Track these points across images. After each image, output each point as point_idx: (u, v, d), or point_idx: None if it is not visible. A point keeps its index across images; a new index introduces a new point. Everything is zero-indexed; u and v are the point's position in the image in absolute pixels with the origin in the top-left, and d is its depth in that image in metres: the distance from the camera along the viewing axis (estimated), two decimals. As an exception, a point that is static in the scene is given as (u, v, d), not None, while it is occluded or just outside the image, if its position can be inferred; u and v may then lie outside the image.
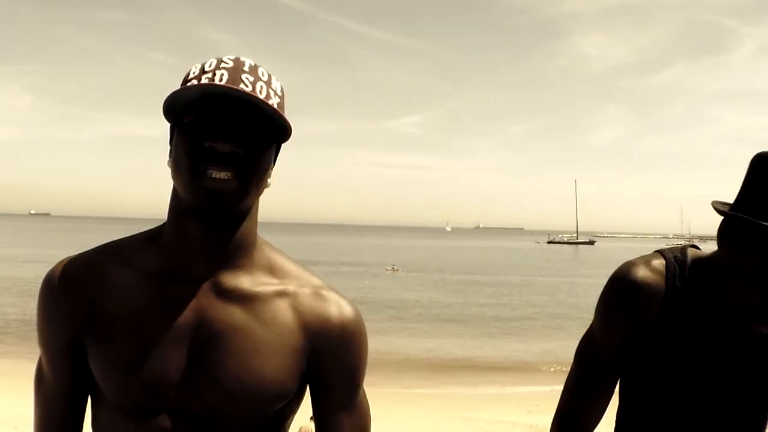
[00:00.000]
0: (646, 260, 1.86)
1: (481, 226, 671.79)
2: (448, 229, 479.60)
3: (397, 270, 54.30)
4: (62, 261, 1.57)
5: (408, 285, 44.12)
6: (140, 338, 1.45)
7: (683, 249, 1.90)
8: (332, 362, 1.55)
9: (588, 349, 1.91)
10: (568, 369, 1.98)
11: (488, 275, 55.70)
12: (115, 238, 1.62)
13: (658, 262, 1.85)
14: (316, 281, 1.59)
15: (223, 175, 1.36)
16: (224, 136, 1.36)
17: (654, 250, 1.94)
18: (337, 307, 1.56)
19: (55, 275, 1.55)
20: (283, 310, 1.51)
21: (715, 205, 1.76)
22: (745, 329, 1.76)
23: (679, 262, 1.85)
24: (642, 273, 1.82)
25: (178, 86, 1.44)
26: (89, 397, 1.58)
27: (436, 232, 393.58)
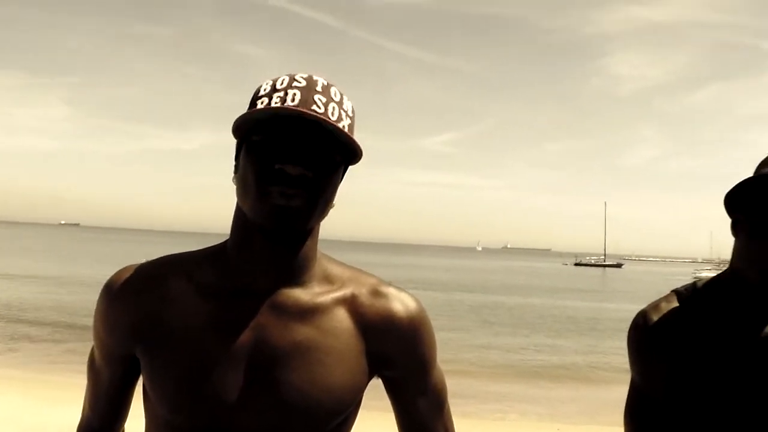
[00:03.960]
0: (658, 302, 1.97)
1: (509, 246, 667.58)
2: (479, 248, 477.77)
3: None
4: (124, 268, 1.56)
5: None
6: (197, 355, 1.42)
7: (695, 281, 2.01)
8: (404, 357, 1.56)
9: (637, 403, 1.96)
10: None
11: (500, 295, 55.36)
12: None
13: (671, 300, 1.96)
14: (372, 280, 1.59)
15: (291, 197, 1.36)
16: (294, 159, 1.35)
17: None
18: (400, 303, 1.56)
19: (115, 282, 1.54)
20: (343, 316, 1.51)
21: (726, 195, 1.84)
22: (759, 336, 1.84)
23: (690, 292, 1.96)
24: (656, 315, 1.93)
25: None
26: (143, 407, 1.55)
27: (467, 251, 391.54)
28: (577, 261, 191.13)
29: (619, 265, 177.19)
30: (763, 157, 1.88)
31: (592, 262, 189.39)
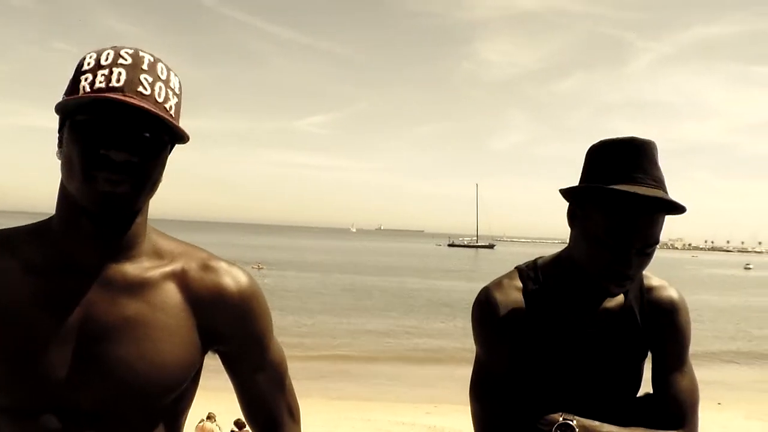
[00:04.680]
0: (501, 279, 2.02)
1: (382, 227, 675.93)
2: (353, 230, 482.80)
3: (262, 267, 56.37)
4: None
5: (273, 281, 44.37)
6: (24, 334, 1.37)
7: (536, 259, 2.07)
8: (236, 332, 1.54)
9: (482, 377, 1.98)
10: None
11: (375, 276, 55.96)
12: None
13: (513, 277, 2.01)
14: (203, 254, 1.56)
15: (117, 183, 1.31)
16: (119, 144, 1.30)
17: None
18: (230, 277, 1.53)
19: None
20: (172, 291, 1.47)
21: (560, 190, 1.92)
22: (595, 311, 1.95)
23: (532, 270, 2.01)
24: (498, 293, 1.97)
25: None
26: None
27: (342, 232, 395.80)
28: (451, 242, 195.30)
29: (491, 246, 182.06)
30: (593, 144, 1.92)
31: (465, 243, 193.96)
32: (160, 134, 1.36)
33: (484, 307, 1.96)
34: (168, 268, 1.49)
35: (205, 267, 1.52)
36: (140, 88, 1.33)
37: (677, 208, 1.80)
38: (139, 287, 1.44)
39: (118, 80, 1.32)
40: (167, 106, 1.37)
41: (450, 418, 15.08)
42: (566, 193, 1.91)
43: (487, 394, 1.95)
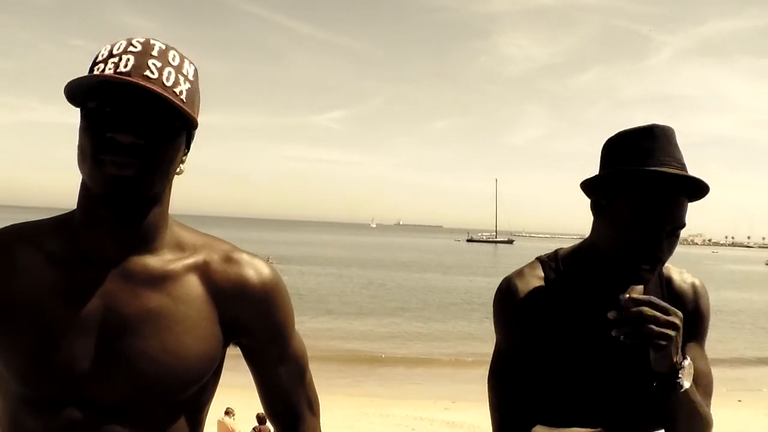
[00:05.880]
0: (522, 269, 2.03)
1: (401, 222, 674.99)
2: (373, 225, 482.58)
3: (272, 261, 56.34)
4: None
5: (292, 278, 44.59)
6: (46, 325, 1.38)
7: (556, 250, 2.08)
8: (258, 324, 1.54)
9: (500, 366, 1.99)
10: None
11: (394, 271, 55.82)
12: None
13: (535, 267, 2.02)
14: (225, 246, 1.56)
15: (123, 166, 1.32)
16: (125, 127, 1.31)
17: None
18: (253, 269, 1.53)
19: None
20: (194, 284, 1.48)
21: (582, 182, 1.93)
22: (616, 300, 1.91)
23: (553, 260, 2.02)
24: (520, 282, 1.98)
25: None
26: None
27: (362, 227, 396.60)
28: (470, 237, 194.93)
29: (510, 242, 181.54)
30: (611, 137, 1.93)
31: (484, 238, 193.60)
32: (169, 118, 1.37)
33: (505, 296, 1.97)
34: (190, 261, 1.50)
35: (228, 259, 1.53)
36: (147, 72, 1.35)
37: (703, 190, 1.80)
38: (161, 280, 1.45)
39: (125, 66, 1.34)
40: (177, 90, 1.38)
41: (468, 413, 15.08)
42: (591, 182, 1.91)
43: (504, 383, 1.96)
